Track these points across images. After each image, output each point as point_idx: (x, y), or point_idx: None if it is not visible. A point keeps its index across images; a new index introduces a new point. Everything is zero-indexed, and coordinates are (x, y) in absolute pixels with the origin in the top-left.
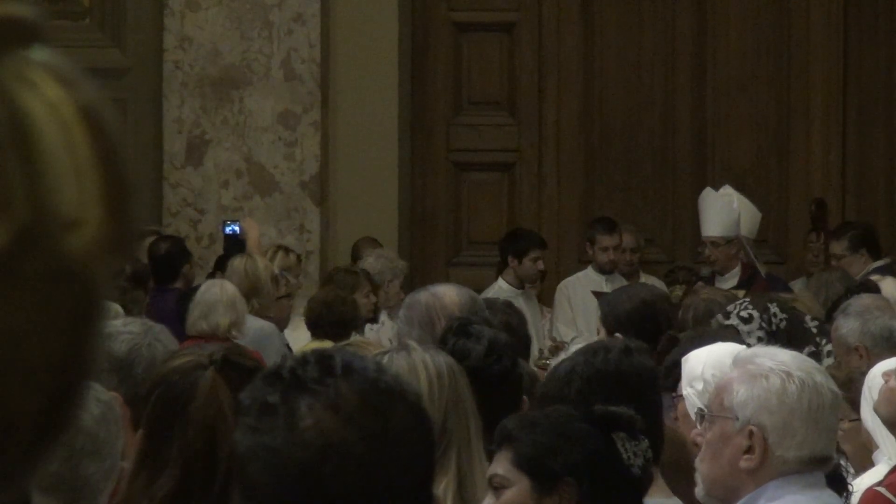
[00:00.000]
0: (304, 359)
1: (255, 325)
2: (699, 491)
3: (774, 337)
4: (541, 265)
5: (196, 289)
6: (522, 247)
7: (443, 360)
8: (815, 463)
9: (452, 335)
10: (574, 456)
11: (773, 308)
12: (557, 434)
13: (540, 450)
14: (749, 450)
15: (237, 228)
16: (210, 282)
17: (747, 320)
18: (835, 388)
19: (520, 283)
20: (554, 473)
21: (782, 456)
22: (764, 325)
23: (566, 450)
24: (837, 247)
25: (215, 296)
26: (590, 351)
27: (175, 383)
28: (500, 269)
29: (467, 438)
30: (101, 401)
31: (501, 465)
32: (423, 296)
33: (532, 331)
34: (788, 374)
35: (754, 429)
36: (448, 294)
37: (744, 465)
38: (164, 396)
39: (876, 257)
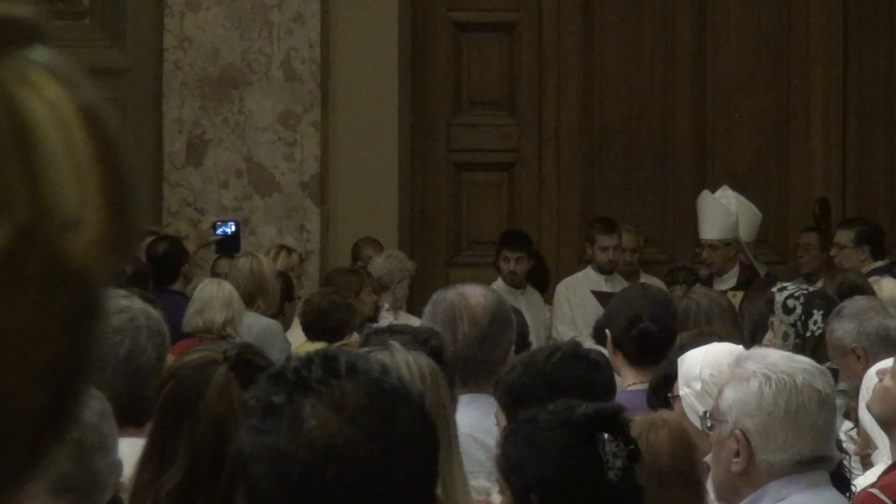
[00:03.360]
0: (308, 359)
1: (261, 324)
2: (711, 494)
3: (803, 341)
4: (511, 265)
5: None
6: (498, 248)
7: (424, 361)
8: (807, 465)
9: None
10: (541, 471)
11: (817, 315)
12: (530, 445)
13: (511, 463)
14: (738, 454)
15: (228, 230)
16: (208, 280)
17: (789, 311)
18: (822, 386)
19: (514, 283)
20: (522, 489)
21: (767, 460)
22: (799, 326)
23: (535, 464)
24: (843, 236)
25: (211, 293)
26: (545, 346)
27: (187, 378)
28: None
29: (448, 440)
30: (96, 397)
31: (497, 472)
32: (450, 294)
33: (531, 330)
34: (767, 377)
35: (738, 433)
36: (475, 295)
37: (734, 468)
38: (175, 391)
39: (877, 257)
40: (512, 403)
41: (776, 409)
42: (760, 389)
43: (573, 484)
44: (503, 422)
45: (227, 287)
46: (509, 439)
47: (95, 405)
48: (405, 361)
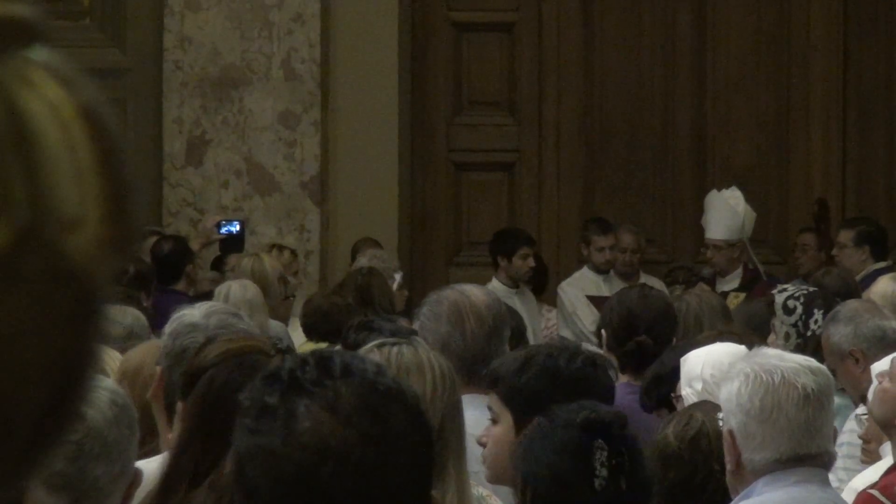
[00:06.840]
0: (303, 360)
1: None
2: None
3: (805, 341)
4: (531, 262)
5: (210, 294)
6: (511, 246)
7: (444, 361)
8: (791, 463)
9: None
10: (536, 466)
11: (818, 315)
12: (535, 440)
13: (517, 452)
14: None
15: (233, 228)
16: (227, 283)
17: (789, 311)
18: (809, 383)
19: (513, 283)
20: (522, 479)
21: (750, 458)
22: (800, 325)
23: (532, 458)
24: (844, 235)
25: (240, 296)
26: (558, 349)
27: (232, 368)
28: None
29: (461, 445)
30: (116, 404)
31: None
32: (449, 293)
33: (528, 330)
34: (747, 375)
35: (726, 432)
36: (475, 293)
37: (727, 468)
38: (216, 378)
39: (879, 258)
40: (525, 407)
41: (752, 407)
42: (739, 389)
43: (561, 485)
44: (506, 417)
45: (252, 287)
46: (526, 430)
47: (108, 411)
48: (429, 359)
